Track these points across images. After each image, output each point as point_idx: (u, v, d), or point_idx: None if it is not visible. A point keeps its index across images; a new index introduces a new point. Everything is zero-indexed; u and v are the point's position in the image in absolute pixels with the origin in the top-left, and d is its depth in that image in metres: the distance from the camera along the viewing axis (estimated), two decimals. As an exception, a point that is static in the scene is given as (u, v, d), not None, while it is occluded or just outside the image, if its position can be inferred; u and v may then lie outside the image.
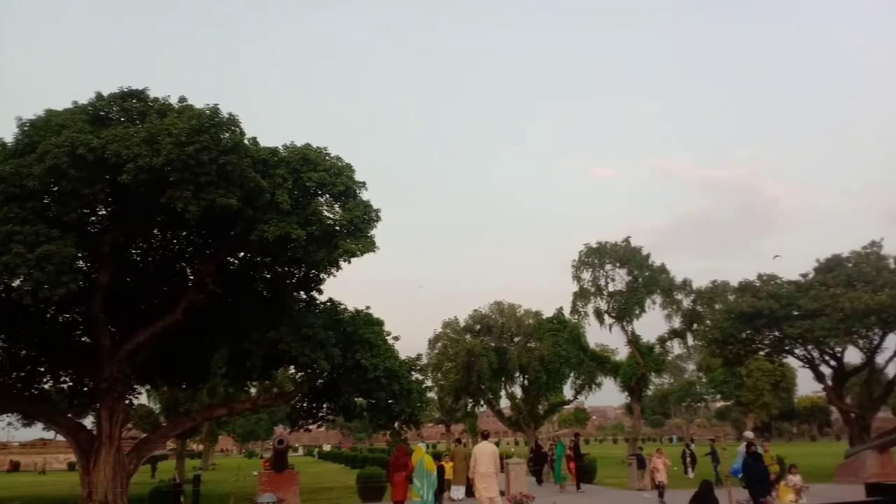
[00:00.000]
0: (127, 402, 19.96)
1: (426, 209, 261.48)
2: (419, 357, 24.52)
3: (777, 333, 28.42)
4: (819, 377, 29.46)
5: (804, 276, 29.08)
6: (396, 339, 22.50)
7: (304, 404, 23.33)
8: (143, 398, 41.94)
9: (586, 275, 40.89)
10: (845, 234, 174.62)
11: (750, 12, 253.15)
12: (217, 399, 36.96)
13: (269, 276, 21.39)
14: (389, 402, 21.30)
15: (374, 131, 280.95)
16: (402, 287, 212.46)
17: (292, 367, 22.08)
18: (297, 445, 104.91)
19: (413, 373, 22.92)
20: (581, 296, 41.06)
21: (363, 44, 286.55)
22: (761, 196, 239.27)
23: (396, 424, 23.32)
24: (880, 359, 28.22)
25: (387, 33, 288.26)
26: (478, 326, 53.22)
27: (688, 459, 31.27)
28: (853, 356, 29.57)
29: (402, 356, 22.50)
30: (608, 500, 22.45)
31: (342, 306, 22.63)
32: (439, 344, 53.42)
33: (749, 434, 17.79)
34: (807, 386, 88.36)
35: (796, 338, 27.32)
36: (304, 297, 21.79)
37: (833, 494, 14.51)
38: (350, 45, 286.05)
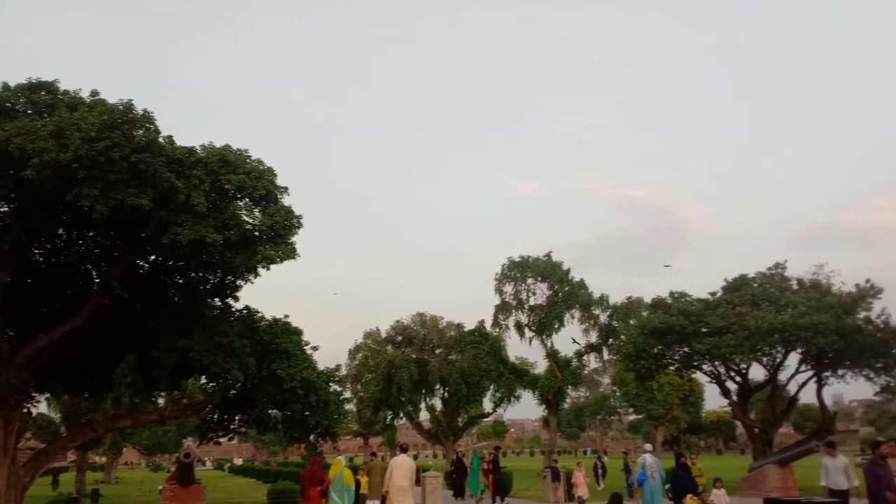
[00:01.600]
0: (25, 410, 18.75)
1: (351, 218, 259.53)
2: (338, 368, 24.01)
3: (686, 349, 29.40)
4: (725, 392, 30.62)
5: (713, 294, 30.19)
6: (315, 349, 21.97)
7: (215, 416, 22.43)
8: (42, 407, 39.61)
9: (508, 288, 41.37)
10: (752, 255, 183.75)
11: (664, 40, 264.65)
12: (122, 409, 35.12)
13: (181, 281, 20.47)
14: (305, 414, 20.74)
15: (299, 139, 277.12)
16: (323, 297, 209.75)
17: (203, 376, 21.23)
18: (206, 459, 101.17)
19: (331, 384, 22.40)
20: (503, 309, 41.45)
21: (297, 52, 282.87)
22: (675, 217, 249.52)
23: (312, 437, 22.72)
24: (782, 376, 29.58)
25: (324, 42, 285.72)
26: (399, 338, 52.94)
27: (600, 471, 31.97)
28: (757, 373, 30.89)
29: (321, 367, 22.00)
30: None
31: (259, 314, 21.92)
32: (360, 355, 52.82)
33: (648, 447, 18.19)
34: (714, 401, 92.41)
35: (704, 354, 28.28)
36: (219, 304, 20.97)
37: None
38: (282, 54, 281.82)
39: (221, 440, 24.83)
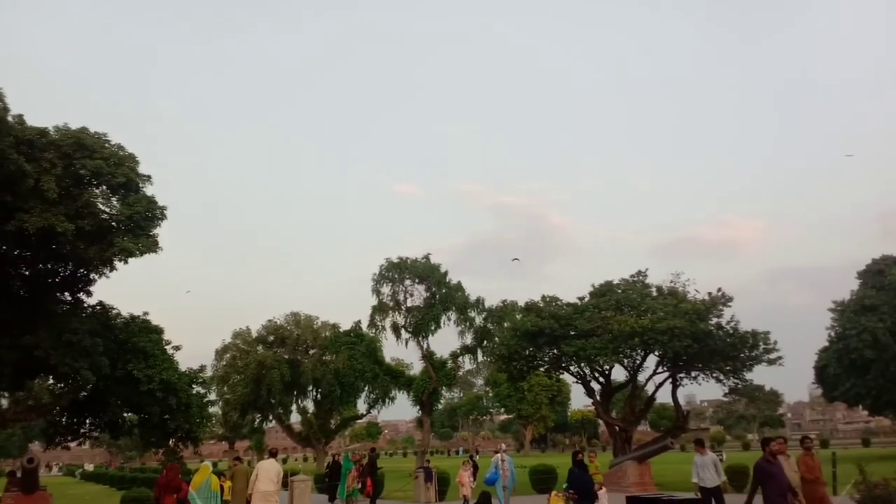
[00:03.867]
0: None
1: (225, 213, 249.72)
2: (202, 369, 22.91)
3: (556, 351, 30.41)
4: (590, 392, 31.93)
5: (581, 299, 31.43)
6: (177, 348, 20.88)
7: (64, 419, 20.75)
8: None
9: (386, 289, 41.08)
10: (617, 263, 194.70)
11: (547, 50, 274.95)
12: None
13: (27, 272, 18.74)
14: (165, 417, 19.63)
15: (169, 127, 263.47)
16: (191, 295, 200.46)
17: (51, 376, 19.55)
18: (54, 464, 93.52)
19: (194, 385, 21.35)
20: (380, 310, 41.12)
21: (178, 38, 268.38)
22: (547, 224, 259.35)
23: (172, 442, 21.53)
24: (641, 377, 31.20)
25: (201, 39, 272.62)
26: (271, 338, 51.41)
27: (471, 470, 32.36)
28: (619, 374, 32.43)
29: (184, 367, 20.87)
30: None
31: (115, 311, 20.49)
32: (227, 355, 50.81)
33: (502, 446, 18.65)
34: (579, 400, 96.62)
35: (572, 355, 29.36)
36: (70, 298, 19.41)
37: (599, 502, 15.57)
38: (158, 39, 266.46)
39: (71, 444, 23.11)
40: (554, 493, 14.17)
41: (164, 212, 17.19)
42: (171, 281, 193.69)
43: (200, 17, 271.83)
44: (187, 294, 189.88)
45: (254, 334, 51.65)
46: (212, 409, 31.03)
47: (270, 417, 53.75)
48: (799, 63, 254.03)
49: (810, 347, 44.27)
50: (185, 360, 52.19)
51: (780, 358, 28.13)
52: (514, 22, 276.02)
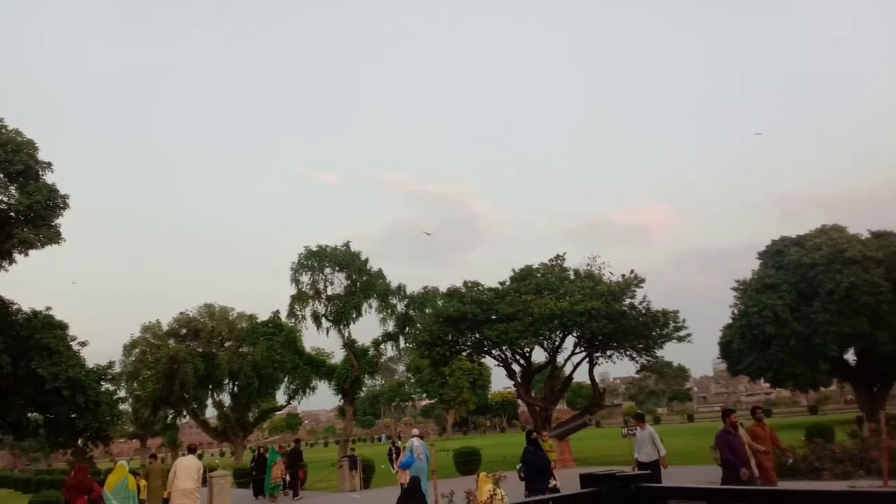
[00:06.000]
0: None
1: (137, 204, 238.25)
2: (111, 365, 21.78)
3: (478, 335, 30.82)
4: (511, 374, 32.54)
5: (502, 283, 31.93)
6: (83, 344, 19.77)
7: (-41, 424, 19.30)
8: None
9: (305, 278, 40.30)
10: (536, 248, 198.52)
11: (464, 39, 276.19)
12: None
13: (-88, 267, 17.29)
14: (73, 416, 18.57)
15: (74, 111, 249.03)
16: (100, 289, 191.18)
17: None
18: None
19: (103, 383, 20.30)
20: (299, 299, 40.32)
21: (81, 19, 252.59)
22: (468, 211, 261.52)
23: (81, 441, 20.43)
24: (560, 358, 32.07)
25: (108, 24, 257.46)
26: (184, 331, 49.70)
27: (394, 455, 32.39)
28: (539, 355, 33.23)
29: (92, 364, 19.80)
30: (320, 503, 22.15)
31: (15, 306, 19.17)
32: (137, 350, 48.82)
33: (416, 431, 18.75)
34: (499, 382, 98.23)
35: (494, 339, 29.82)
36: (-37, 294, 18.03)
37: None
38: (59, 19, 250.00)
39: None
40: (483, 473, 14.28)
41: (67, 201, 16.20)
42: (76, 275, 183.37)
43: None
44: (73, 285, 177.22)
45: (165, 328, 49.77)
46: (122, 407, 29.60)
47: (184, 413, 52.10)
48: (703, 51, 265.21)
49: (715, 325, 46.67)
50: (94, 357, 49.80)
51: (688, 335, 29.55)
52: (432, 11, 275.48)
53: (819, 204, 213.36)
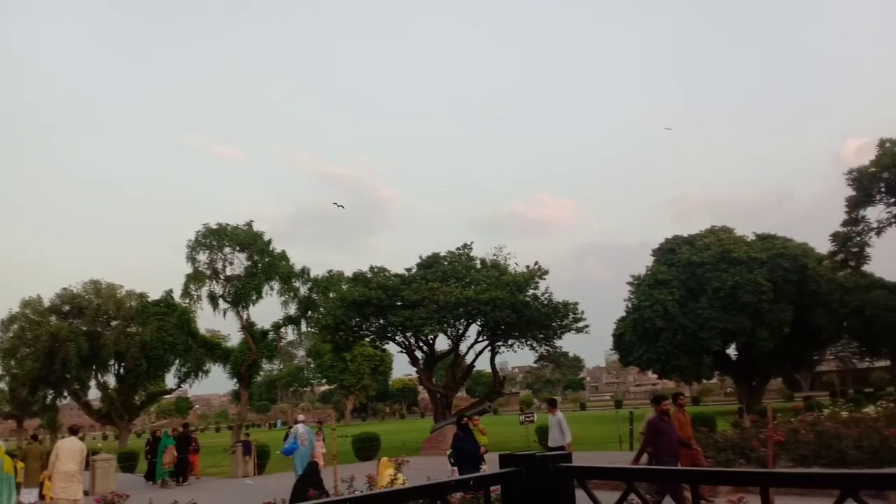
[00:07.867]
0: None
1: (12, 171, 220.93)
2: (-15, 341, 20.17)
3: (382, 321, 30.65)
4: (414, 361, 32.59)
5: (409, 270, 31.88)
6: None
7: None
8: None
9: (202, 257, 38.64)
10: (443, 236, 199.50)
11: (374, 24, 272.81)
12: None
13: None
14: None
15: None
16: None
17: None
18: None
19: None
20: (195, 278, 38.64)
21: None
22: (376, 196, 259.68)
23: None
24: (463, 346, 32.43)
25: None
26: (67, 307, 46.76)
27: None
28: (442, 343, 33.45)
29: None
30: (212, 489, 21.38)
31: None
32: (15, 326, 45.58)
33: (301, 417, 18.63)
34: (401, 369, 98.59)
35: (398, 325, 29.77)
36: None
37: (424, 465, 15.83)
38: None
39: None
40: (384, 458, 14.17)
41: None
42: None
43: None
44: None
45: (46, 303, 46.65)
46: (-4, 386, 27.53)
47: (65, 394, 49.13)
48: (612, 47, 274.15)
49: (610, 317, 48.57)
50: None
51: (586, 326, 30.59)
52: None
53: (709, 206, 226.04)
